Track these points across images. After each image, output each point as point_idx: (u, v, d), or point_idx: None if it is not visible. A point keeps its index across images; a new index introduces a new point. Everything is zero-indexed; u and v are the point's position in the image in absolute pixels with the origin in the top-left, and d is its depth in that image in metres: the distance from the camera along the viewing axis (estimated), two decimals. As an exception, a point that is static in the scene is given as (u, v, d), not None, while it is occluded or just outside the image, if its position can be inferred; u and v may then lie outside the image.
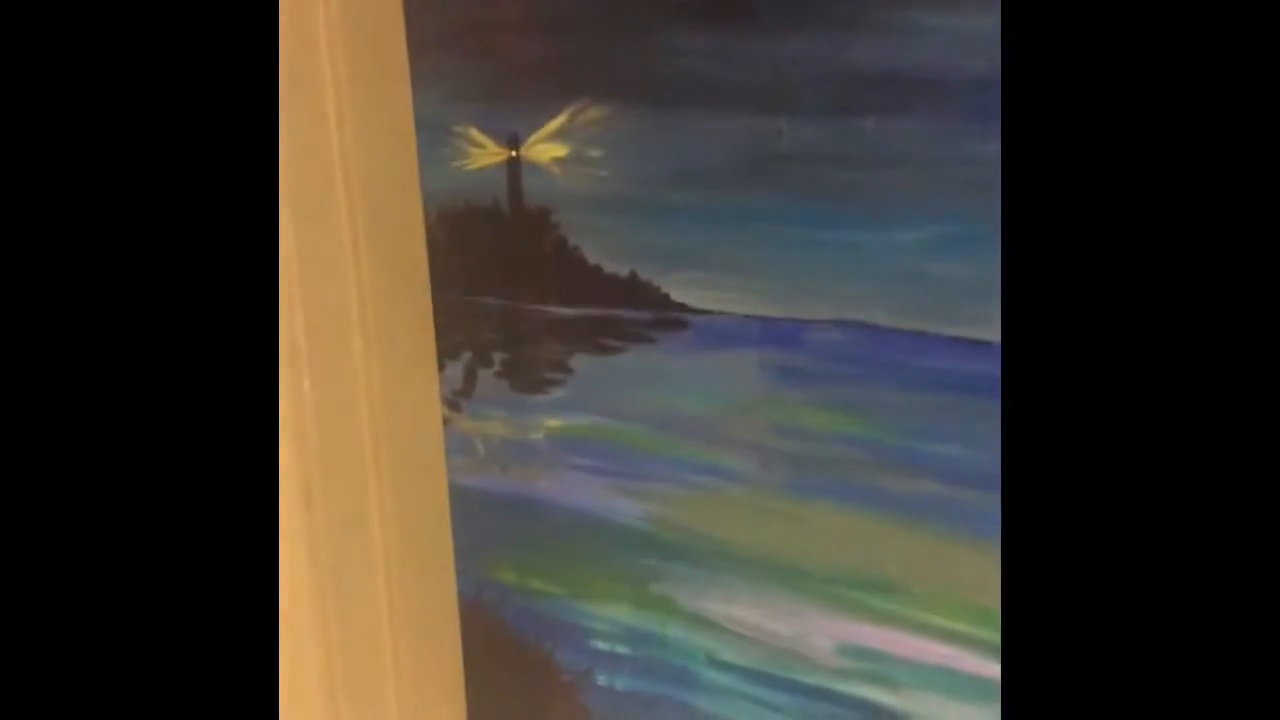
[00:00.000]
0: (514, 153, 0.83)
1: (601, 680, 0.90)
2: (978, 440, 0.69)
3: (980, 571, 0.70)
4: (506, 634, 0.93)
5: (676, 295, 0.78)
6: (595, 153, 0.79)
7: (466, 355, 0.91)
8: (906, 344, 0.71)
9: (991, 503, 0.67)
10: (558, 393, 0.86)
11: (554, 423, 0.87)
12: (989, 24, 0.62)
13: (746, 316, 0.76)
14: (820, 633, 0.78)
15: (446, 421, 0.92)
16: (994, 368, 0.65)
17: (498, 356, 0.89)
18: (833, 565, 0.76)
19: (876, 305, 0.71)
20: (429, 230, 0.88)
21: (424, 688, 0.93)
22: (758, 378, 0.76)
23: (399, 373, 0.89)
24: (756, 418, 0.77)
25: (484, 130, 0.84)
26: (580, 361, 0.85)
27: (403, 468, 0.89)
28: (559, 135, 0.81)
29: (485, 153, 0.85)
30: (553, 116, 0.80)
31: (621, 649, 0.88)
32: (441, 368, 0.91)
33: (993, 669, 0.71)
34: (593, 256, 0.81)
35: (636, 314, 0.80)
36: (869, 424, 0.73)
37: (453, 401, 0.93)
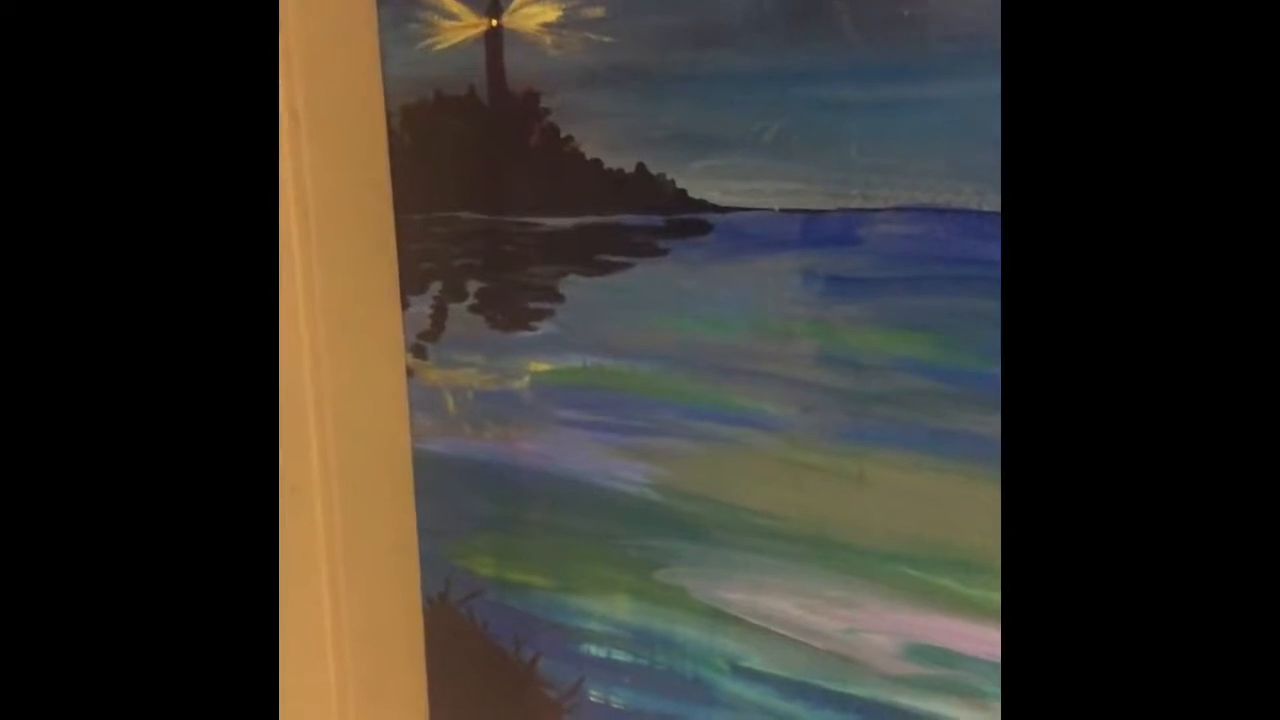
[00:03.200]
0: (494, 21, 0.74)
1: (595, 695, 0.82)
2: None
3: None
4: (479, 638, 0.87)
5: (696, 190, 0.68)
6: (595, 12, 0.70)
7: (435, 287, 0.82)
8: (999, 231, 0.59)
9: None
10: (546, 327, 0.77)
11: (540, 366, 0.78)
12: None
13: (785, 212, 0.65)
14: (879, 628, 0.69)
15: (410, 371, 0.84)
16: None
17: (473, 286, 0.80)
18: (896, 538, 0.67)
19: (961, 181, 0.59)
20: (391, 132, 0.79)
21: (378, 706, 0.87)
22: (800, 292, 0.66)
23: (351, 312, 0.80)
24: (797, 345, 0.67)
25: (458, -5, 0.77)
26: (573, 286, 0.75)
27: (353, 430, 0.81)
28: (550, -7, 0.72)
29: (460, 25, 0.76)
30: (542, -32, 0.73)
31: (621, 655, 0.80)
32: (405, 305, 0.83)
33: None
34: (591, 149, 0.72)
35: (644, 219, 0.71)
36: (946, 346, 0.62)
37: (417, 347, 0.84)
